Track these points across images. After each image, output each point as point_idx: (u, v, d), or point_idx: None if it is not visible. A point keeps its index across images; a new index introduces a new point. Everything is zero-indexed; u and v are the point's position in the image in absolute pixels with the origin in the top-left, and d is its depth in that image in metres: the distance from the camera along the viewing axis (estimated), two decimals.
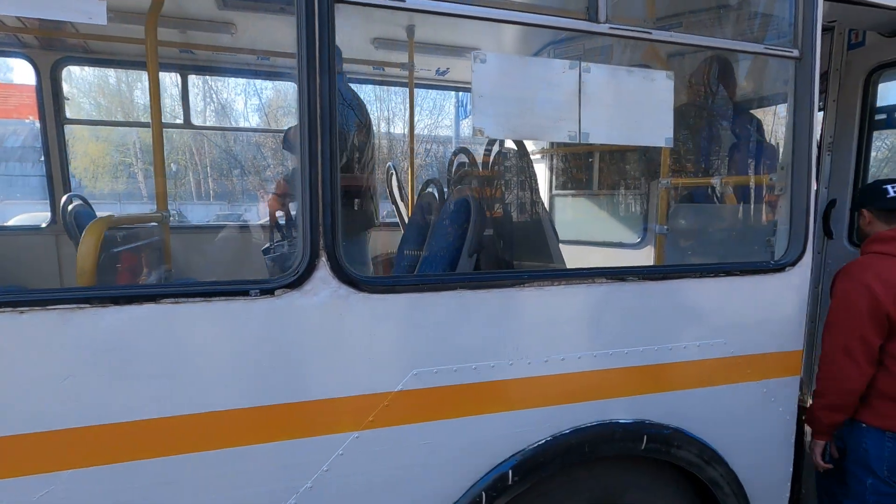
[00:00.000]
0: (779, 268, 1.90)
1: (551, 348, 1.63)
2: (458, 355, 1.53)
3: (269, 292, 1.34)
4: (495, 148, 2.23)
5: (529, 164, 1.89)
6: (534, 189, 1.91)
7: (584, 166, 3.92)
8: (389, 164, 4.02)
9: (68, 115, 3.74)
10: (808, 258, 1.92)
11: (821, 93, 3.00)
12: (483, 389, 1.57)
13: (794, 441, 2.01)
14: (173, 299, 1.27)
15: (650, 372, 1.76)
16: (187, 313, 1.29)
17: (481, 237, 1.73)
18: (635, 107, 1.71)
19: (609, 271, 1.67)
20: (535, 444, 1.63)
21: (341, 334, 1.42)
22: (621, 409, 1.74)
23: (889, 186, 2.02)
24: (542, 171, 4.08)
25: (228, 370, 1.34)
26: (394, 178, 3.72)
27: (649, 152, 3.25)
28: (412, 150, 3.80)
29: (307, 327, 1.39)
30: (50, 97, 3.55)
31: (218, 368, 1.33)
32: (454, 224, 1.77)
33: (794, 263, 1.91)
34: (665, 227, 2.69)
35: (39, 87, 3.53)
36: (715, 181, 2.35)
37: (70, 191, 3.52)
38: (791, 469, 2.03)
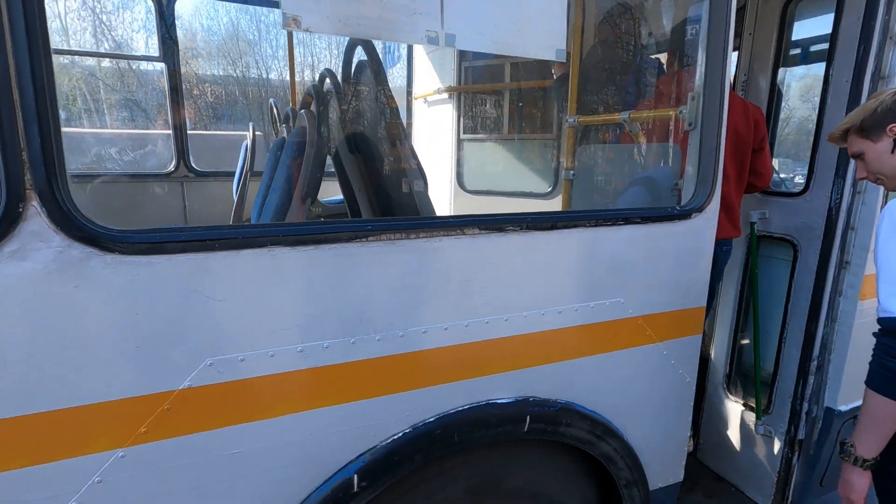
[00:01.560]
0: (683, 214, 1.64)
1: (409, 319, 1.27)
2: (276, 335, 1.13)
3: None
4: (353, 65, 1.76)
5: (385, 86, 1.47)
6: (391, 118, 1.49)
7: (492, 107, 3.54)
8: (271, 100, 3.41)
9: None
10: (715, 204, 1.68)
11: (737, 31, 2.77)
12: (314, 377, 1.19)
13: (692, 404, 1.84)
14: None
15: (535, 341, 1.46)
16: None
17: (316, 177, 1.31)
18: (519, 8, 1.31)
19: (481, 220, 1.31)
20: (389, 440, 1.29)
21: (80, 316, 0.96)
22: (501, 387, 1.44)
23: None
24: (448, 113, 3.66)
25: None
26: (275, 112, 3.14)
27: (563, 90, 2.91)
28: (293, 77, 3.20)
29: (15, 310, 0.92)
30: None
31: None
32: (289, 162, 1.33)
33: (700, 209, 1.65)
34: (572, 171, 2.39)
35: None
36: (622, 116, 2.06)
37: None
38: (689, 433, 1.87)
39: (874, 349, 1.30)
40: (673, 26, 2.47)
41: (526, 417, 1.46)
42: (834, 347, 2.31)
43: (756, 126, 2.28)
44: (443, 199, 3.82)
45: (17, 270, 0.90)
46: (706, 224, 1.68)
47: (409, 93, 4.23)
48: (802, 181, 2.37)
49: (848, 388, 2.32)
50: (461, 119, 3.58)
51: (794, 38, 2.46)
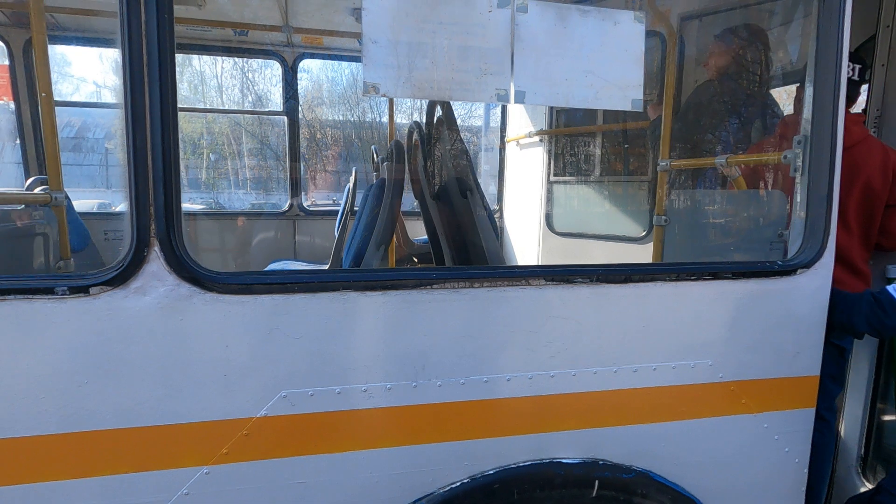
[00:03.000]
0: (788, 270, 1.46)
1: (472, 367, 1.28)
2: (343, 374, 1.21)
3: (81, 290, 1.06)
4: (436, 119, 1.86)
5: (458, 138, 1.53)
6: (466, 170, 1.54)
7: (584, 149, 3.48)
8: (373, 146, 3.71)
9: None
10: (828, 258, 1.48)
11: (866, 61, 2.48)
12: (377, 417, 1.24)
13: (804, 489, 1.58)
14: None
15: (607, 400, 1.38)
16: None
17: (392, 225, 1.39)
18: (592, 59, 1.32)
19: (548, 270, 1.30)
20: (448, 488, 1.29)
21: (183, 345, 1.12)
22: (567, 446, 1.38)
23: None
24: (539, 156, 3.68)
25: (30, 385, 1.07)
26: (375, 158, 3.40)
27: (657, 131, 2.80)
28: (391, 123, 3.43)
29: (135, 335, 1.09)
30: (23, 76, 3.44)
31: (13, 385, 1.06)
32: (370, 209, 1.44)
33: (808, 265, 1.47)
34: (664, 217, 2.26)
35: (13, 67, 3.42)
36: (719, 162, 1.91)
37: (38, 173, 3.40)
38: None
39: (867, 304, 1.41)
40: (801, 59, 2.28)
41: (594, 482, 1.36)
42: None
43: (895, 178, 1.98)
44: (531, 240, 3.80)
45: (138, 304, 1.09)
46: (815, 281, 1.48)
47: (502, 136, 4.33)
48: None
49: None
50: (552, 161, 3.58)
51: None
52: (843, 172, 1.45)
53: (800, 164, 1.52)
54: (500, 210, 4.34)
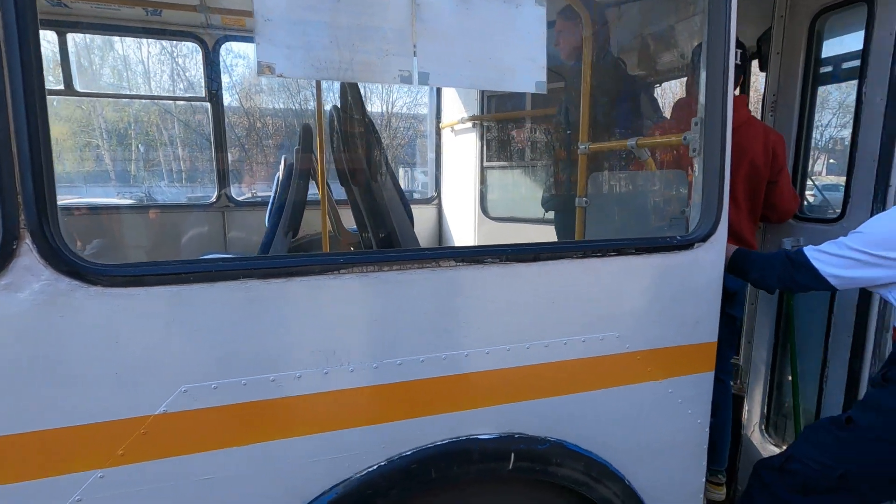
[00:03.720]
0: (686, 244, 1.56)
1: (385, 350, 1.28)
2: (250, 365, 1.17)
3: None
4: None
5: (366, 121, 1.51)
6: (376, 154, 1.52)
7: (515, 134, 3.55)
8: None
9: None
10: (721, 232, 1.59)
11: (763, 50, 2.65)
12: (288, 406, 1.22)
13: (706, 447, 1.71)
14: None
15: (521, 375, 1.42)
16: None
17: (299, 211, 1.36)
18: (495, 41, 1.33)
19: (460, 252, 1.31)
20: (364, 472, 1.29)
21: (66, 343, 1.04)
22: (485, 423, 1.41)
23: None
24: (472, 142, 3.71)
25: None
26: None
27: (568, 115, 2.88)
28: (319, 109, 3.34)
29: (9, 335, 1.01)
30: None
31: None
32: (278, 197, 1.39)
33: (704, 239, 1.57)
34: (584, 198, 2.35)
35: None
36: (630, 143, 2.00)
37: None
38: (703, 479, 1.73)
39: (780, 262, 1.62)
40: (693, 49, 2.40)
41: (510, 454, 1.41)
42: None
43: (775, 156, 2.16)
44: (468, 226, 3.84)
45: (11, 301, 1.00)
46: (711, 255, 1.59)
47: (437, 122, 4.33)
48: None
49: None
50: (484, 147, 3.61)
51: (824, 55, 2.32)
52: (731, 152, 1.55)
53: (697, 144, 1.61)
54: (439, 197, 4.35)
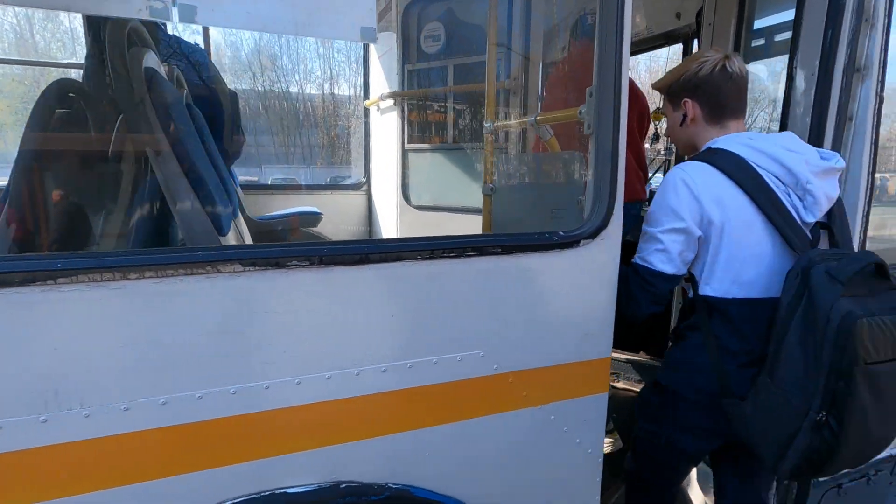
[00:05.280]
0: (569, 241, 1.27)
1: (143, 387, 0.95)
2: None
3: None
4: None
5: (137, 76, 1.15)
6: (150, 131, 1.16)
7: (437, 114, 3.22)
8: None
9: None
10: (615, 226, 1.31)
11: (697, 22, 2.40)
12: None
13: (599, 480, 1.45)
14: None
15: (349, 408, 1.11)
16: None
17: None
18: None
19: (249, 253, 0.98)
20: None
21: None
22: (301, 471, 1.10)
23: None
24: (393, 122, 3.36)
25: None
26: None
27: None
28: None
29: None
30: None
31: None
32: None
33: (593, 235, 1.29)
34: (490, 185, 2.05)
35: None
36: (530, 121, 1.71)
37: None
38: None
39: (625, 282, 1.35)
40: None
41: None
42: None
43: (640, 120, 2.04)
44: (391, 216, 3.51)
45: None
46: (602, 253, 1.30)
47: (365, 99, 3.96)
48: None
49: None
50: (405, 127, 3.27)
51: (756, 26, 2.07)
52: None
53: (592, 121, 1.32)
54: (368, 184, 3.99)
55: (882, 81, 1.72)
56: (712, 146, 1.39)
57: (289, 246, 1.02)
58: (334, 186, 5.59)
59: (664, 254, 1.33)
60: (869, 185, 1.78)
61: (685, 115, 1.43)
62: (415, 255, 1.11)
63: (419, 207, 3.32)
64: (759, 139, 1.36)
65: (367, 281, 1.08)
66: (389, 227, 3.64)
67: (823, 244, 1.41)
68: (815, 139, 1.72)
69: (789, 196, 1.32)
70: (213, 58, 2.70)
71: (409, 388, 1.16)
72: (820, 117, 1.70)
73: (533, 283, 1.25)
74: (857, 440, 1.14)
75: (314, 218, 3.60)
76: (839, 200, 1.40)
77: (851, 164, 1.75)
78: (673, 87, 1.44)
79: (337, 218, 4.05)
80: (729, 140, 1.38)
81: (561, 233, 1.27)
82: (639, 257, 1.39)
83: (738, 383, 1.31)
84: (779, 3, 1.98)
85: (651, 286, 1.34)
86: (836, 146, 1.74)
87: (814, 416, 1.12)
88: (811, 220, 1.33)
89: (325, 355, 1.07)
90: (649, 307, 1.36)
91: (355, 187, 4.06)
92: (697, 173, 1.33)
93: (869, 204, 1.79)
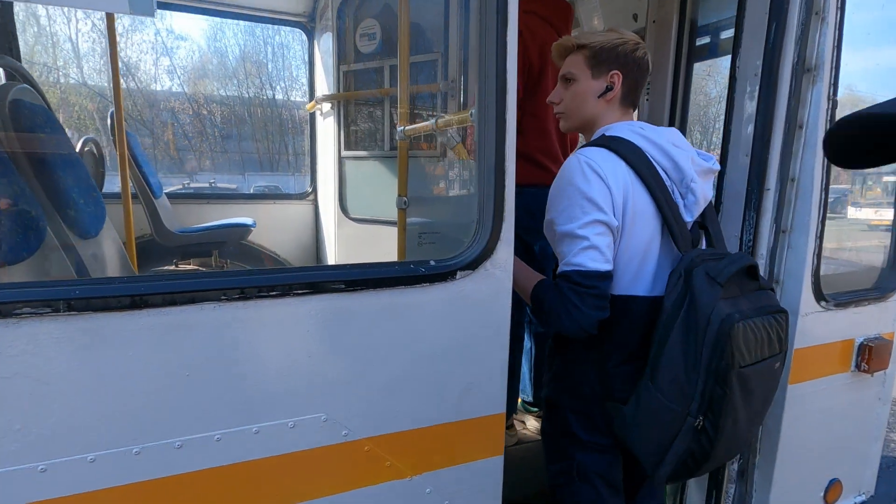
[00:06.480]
0: (441, 274, 1.02)
1: None
2: None
3: None
4: None
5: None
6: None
7: (373, 119, 2.97)
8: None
9: None
10: (503, 253, 1.06)
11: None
12: None
13: None
14: None
15: (120, 500, 0.84)
16: None
17: None
18: None
19: None
20: None
21: None
22: None
23: None
24: (330, 126, 3.11)
25: None
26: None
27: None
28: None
29: None
30: None
31: None
32: None
33: (473, 265, 1.04)
34: (405, 198, 1.79)
35: None
36: (430, 124, 1.47)
37: None
38: None
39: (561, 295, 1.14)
40: None
41: None
42: (760, 448, 1.65)
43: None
44: (330, 228, 3.25)
45: None
46: (485, 287, 1.05)
47: (310, 101, 3.70)
48: None
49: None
50: (341, 133, 3.02)
51: (701, 23, 1.86)
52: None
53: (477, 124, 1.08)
54: (314, 193, 3.73)
55: (835, 84, 1.51)
56: (607, 133, 1.22)
57: (22, 285, 0.76)
58: (278, 196, 5.30)
59: (594, 251, 1.11)
60: (822, 201, 1.56)
61: (608, 88, 1.24)
62: (218, 294, 0.85)
63: (357, 220, 3.06)
64: (650, 130, 1.22)
65: (153, 330, 0.81)
66: (328, 240, 3.38)
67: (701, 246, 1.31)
68: (761, 150, 1.50)
69: (673, 193, 1.20)
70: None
71: (217, 468, 0.89)
72: (765, 125, 1.48)
73: (395, 326, 1.00)
74: (729, 441, 1.14)
75: (244, 230, 3.32)
76: (710, 203, 1.30)
77: (802, 178, 1.54)
78: (602, 55, 1.25)
79: (281, 230, 3.78)
80: (622, 127, 1.21)
81: (432, 262, 1.02)
82: (564, 263, 1.16)
83: (620, 387, 1.18)
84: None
85: (591, 288, 1.08)
86: (785, 157, 1.52)
87: (692, 422, 1.10)
88: (689, 219, 1.22)
89: (87, 430, 0.80)
90: (596, 313, 1.10)
91: (300, 197, 3.79)
92: (602, 159, 1.12)
93: (822, 223, 1.57)
